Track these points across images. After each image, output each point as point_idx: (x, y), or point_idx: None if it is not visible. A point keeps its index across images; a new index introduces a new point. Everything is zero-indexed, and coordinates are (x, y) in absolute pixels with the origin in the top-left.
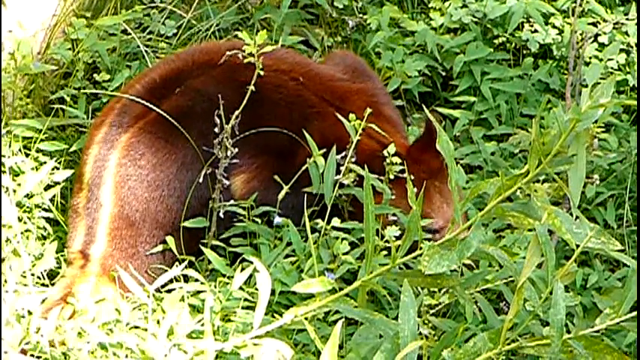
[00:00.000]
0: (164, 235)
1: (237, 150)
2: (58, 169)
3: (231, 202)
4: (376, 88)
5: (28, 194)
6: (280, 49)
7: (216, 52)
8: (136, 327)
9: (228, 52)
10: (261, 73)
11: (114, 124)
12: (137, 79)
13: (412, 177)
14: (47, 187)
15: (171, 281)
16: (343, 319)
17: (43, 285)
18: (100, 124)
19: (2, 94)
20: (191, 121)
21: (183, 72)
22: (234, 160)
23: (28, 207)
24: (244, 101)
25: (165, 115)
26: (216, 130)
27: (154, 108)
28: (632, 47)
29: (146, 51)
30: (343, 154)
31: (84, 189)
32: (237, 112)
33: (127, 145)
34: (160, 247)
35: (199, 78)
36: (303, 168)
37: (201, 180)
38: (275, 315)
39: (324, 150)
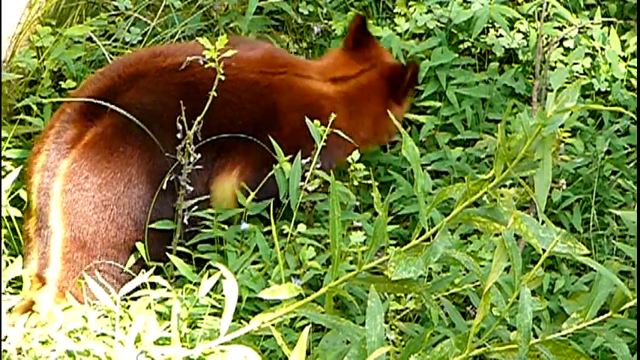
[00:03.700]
0: (118, 254)
1: (199, 156)
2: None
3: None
4: (270, 48)
5: None
6: (194, 45)
7: (140, 62)
8: (103, 334)
9: (188, 58)
10: (222, 78)
11: (51, 150)
12: (66, 103)
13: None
14: (10, 194)
15: (138, 288)
16: (310, 325)
17: (10, 294)
18: (38, 152)
19: None
20: (130, 136)
21: (111, 89)
22: (214, 165)
23: None
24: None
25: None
26: (179, 136)
27: (91, 129)
28: (597, 51)
29: (111, 58)
30: (308, 159)
31: (32, 215)
32: (199, 118)
33: (68, 172)
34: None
35: (129, 91)
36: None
37: (165, 186)
38: (242, 321)
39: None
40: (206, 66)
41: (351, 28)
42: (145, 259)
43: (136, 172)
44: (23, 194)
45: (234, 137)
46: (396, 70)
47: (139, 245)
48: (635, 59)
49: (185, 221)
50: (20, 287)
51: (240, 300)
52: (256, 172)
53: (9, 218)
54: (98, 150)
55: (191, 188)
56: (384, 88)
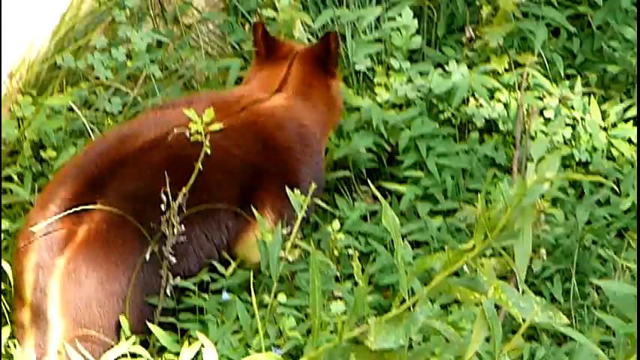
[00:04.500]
0: (119, 340)
1: (183, 227)
2: (7, 248)
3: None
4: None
5: None
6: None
7: (112, 150)
8: None
9: (175, 130)
10: (208, 151)
11: (42, 249)
12: (48, 197)
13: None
14: None
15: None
16: None
17: None
18: (26, 250)
19: None
20: (126, 227)
21: (94, 182)
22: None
23: None
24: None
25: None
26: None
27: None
28: (577, 121)
29: (92, 128)
30: (288, 229)
31: (27, 307)
32: (184, 190)
33: (66, 270)
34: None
35: (113, 182)
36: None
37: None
38: None
39: None
40: (192, 138)
41: (257, 38)
42: (128, 331)
43: (138, 259)
44: (5, 265)
45: (247, 190)
46: (315, 50)
47: (122, 318)
48: (615, 130)
49: (168, 292)
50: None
51: None
52: (288, 208)
53: None
54: (95, 246)
55: (174, 260)
56: (315, 69)
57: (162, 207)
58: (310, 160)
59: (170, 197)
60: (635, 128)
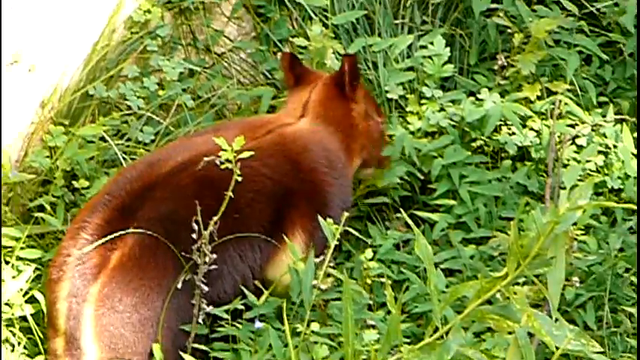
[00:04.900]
0: None
1: (215, 255)
2: (40, 277)
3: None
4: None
5: (7, 303)
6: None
7: (141, 176)
8: None
9: (205, 159)
10: (239, 179)
11: (75, 278)
12: (79, 226)
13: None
14: (25, 294)
15: None
16: None
17: None
18: (59, 280)
19: None
20: (160, 250)
21: (124, 209)
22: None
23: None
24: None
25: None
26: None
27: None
28: (609, 149)
29: (124, 158)
30: (321, 257)
31: (60, 336)
32: (215, 218)
33: (100, 296)
34: None
35: (145, 207)
36: None
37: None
38: None
39: None
40: (222, 166)
41: (285, 67)
42: (161, 358)
43: (172, 283)
44: (38, 295)
45: (277, 209)
46: (335, 75)
47: (155, 346)
48: None
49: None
50: None
51: None
52: (319, 229)
53: (24, 318)
54: (128, 271)
55: (206, 288)
56: (333, 94)
57: (194, 235)
58: (337, 182)
59: (201, 224)
60: None
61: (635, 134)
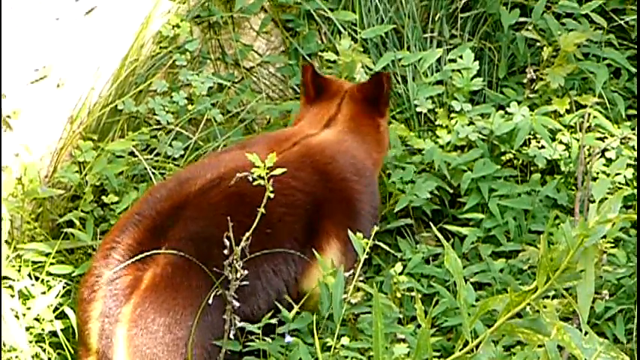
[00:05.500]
0: None
1: (246, 271)
2: (70, 292)
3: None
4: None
5: (37, 318)
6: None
7: (171, 194)
8: None
9: (238, 175)
10: (271, 195)
11: (108, 298)
12: (110, 245)
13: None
14: (55, 309)
15: None
16: None
17: None
18: (91, 300)
19: (10, 218)
20: (192, 269)
21: (156, 229)
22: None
23: (38, 333)
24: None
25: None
26: (226, 252)
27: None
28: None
29: (153, 173)
30: (351, 272)
31: (92, 355)
32: (247, 234)
33: (133, 317)
34: None
35: (176, 227)
36: None
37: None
38: None
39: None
40: (255, 183)
41: (306, 79)
42: None
43: (205, 301)
44: (68, 311)
45: (310, 221)
46: (366, 88)
47: None
48: None
49: (232, 335)
50: None
51: None
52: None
53: (55, 333)
54: (161, 291)
55: (237, 304)
56: (365, 108)
57: (226, 251)
58: (366, 189)
59: (233, 241)
60: None
61: None
